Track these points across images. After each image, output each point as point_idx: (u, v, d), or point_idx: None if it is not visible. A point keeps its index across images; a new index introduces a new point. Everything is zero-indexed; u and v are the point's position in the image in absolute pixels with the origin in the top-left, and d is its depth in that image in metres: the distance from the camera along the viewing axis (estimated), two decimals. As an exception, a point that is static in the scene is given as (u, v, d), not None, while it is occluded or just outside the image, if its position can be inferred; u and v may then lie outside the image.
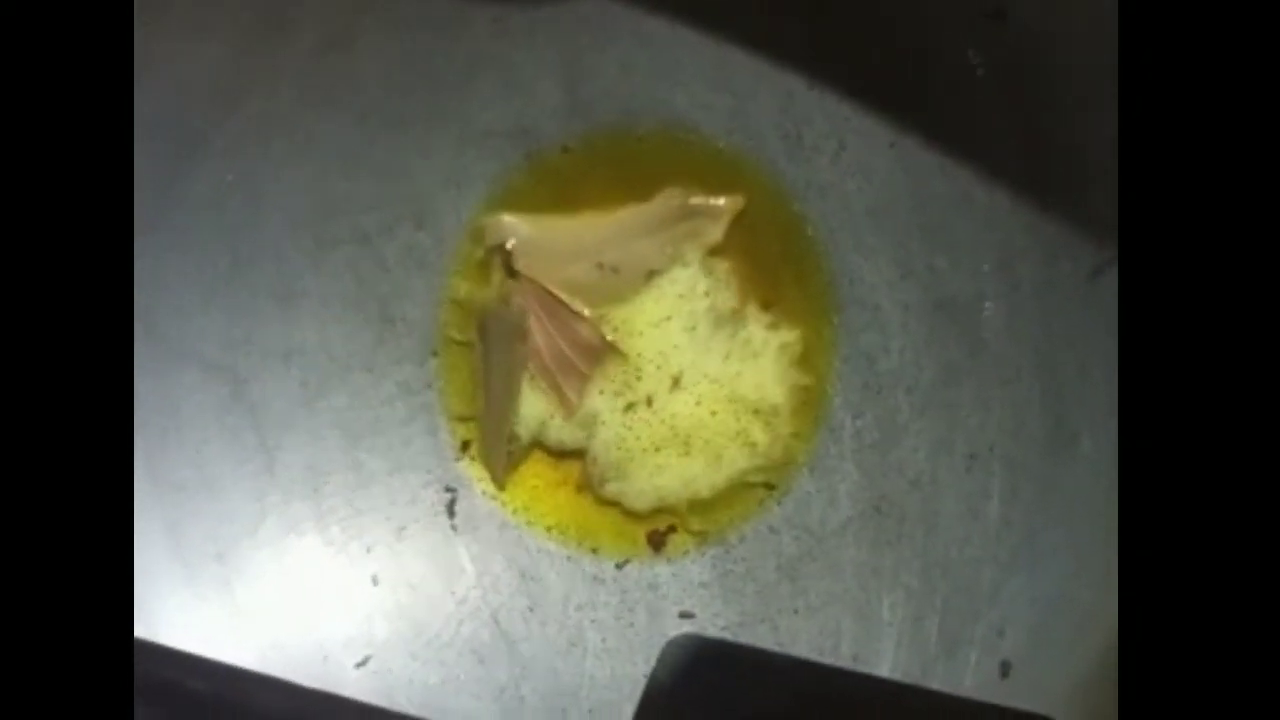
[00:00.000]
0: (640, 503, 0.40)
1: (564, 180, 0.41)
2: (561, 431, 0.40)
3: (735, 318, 0.40)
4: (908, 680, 0.36)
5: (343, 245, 0.41)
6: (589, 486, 0.41)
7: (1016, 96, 0.37)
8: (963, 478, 0.38)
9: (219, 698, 0.31)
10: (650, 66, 0.41)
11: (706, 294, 0.40)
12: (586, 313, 0.40)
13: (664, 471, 0.40)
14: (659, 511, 0.40)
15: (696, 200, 0.40)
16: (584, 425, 0.40)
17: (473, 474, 0.41)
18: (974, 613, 0.37)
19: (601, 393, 0.40)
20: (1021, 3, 0.35)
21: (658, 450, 0.40)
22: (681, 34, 0.40)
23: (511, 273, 0.40)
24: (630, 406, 0.40)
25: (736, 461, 0.40)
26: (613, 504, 0.40)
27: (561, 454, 0.41)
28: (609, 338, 0.40)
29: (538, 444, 0.41)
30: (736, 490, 0.40)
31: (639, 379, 0.40)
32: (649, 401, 0.40)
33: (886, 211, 0.40)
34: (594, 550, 0.41)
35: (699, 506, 0.40)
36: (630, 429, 0.40)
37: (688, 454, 0.40)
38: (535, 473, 0.41)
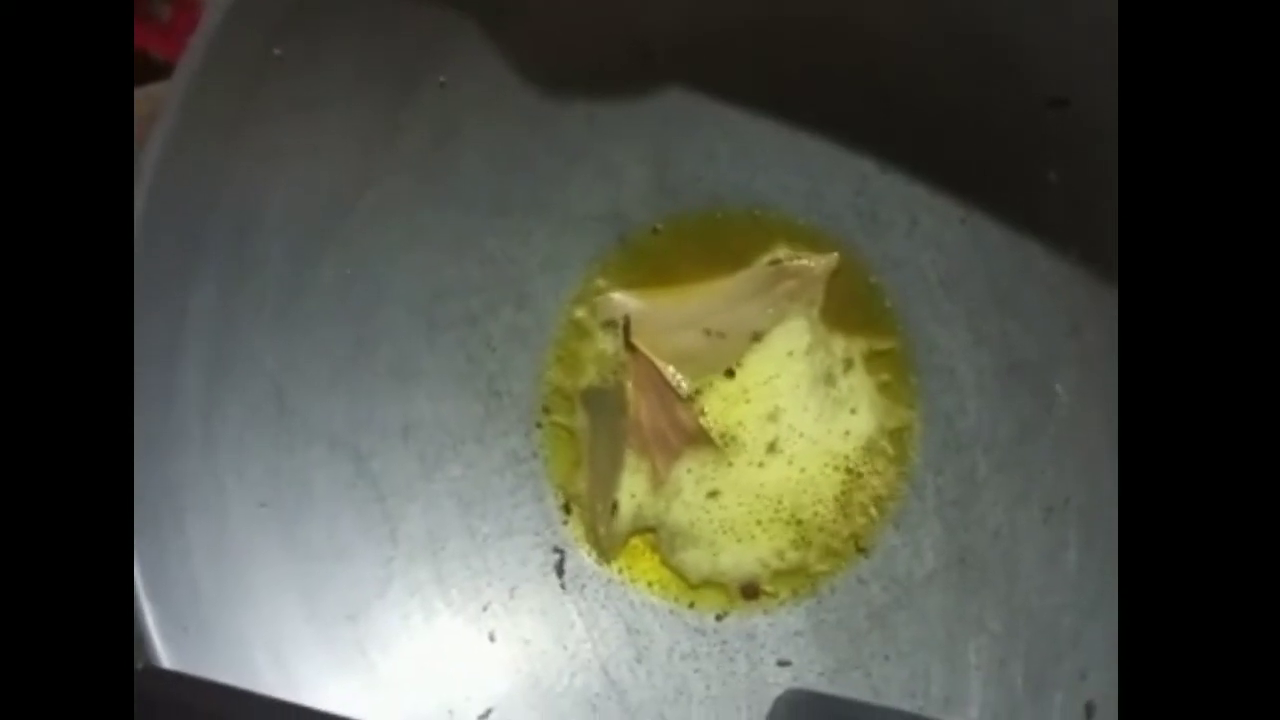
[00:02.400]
0: (695, 576, 0.44)
1: (655, 259, 0.45)
2: (644, 506, 0.43)
3: (830, 377, 0.43)
4: (997, 721, 0.39)
5: (454, 327, 0.44)
6: (659, 551, 0.44)
7: (1078, 175, 0.39)
8: (1040, 529, 0.41)
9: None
10: (732, 153, 0.44)
11: (808, 351, 0.43)
12: (685, 386, 0.43)
13: (724, 554, 0.43)
14: (709, 584, 0.44)
15: (794, 262, 0.44)
16: (665, 499, 0.43)
17: (578, 536, 0.44)
18: (1057, 656, 0.39)
19: (689, 471, 0.43)
20: (1082, 92, 0.38)
21: (725, 534, 0.43)
22: (761, 123, 0.43)
23: (629, 346, 0.43)
24: (713, 494, 0.43)
25: (816, 522, 0.43)
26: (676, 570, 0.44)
27: (645, 527, 0.44)
28: (719, 404, 0.43)
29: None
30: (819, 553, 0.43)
31: (730, 465, 0.43)
32: (735, 487, 0.43)
33: (959, 282, 0.43)
34: (691, 605, 0.44)
35: (784, 573, 0.43)
36: (707, 512, 0.43)
37: (758, 535, 0.43)
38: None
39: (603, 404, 0.44)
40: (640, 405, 0.44)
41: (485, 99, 0.42)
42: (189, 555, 0.39)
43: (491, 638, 0.43)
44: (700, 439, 0.44)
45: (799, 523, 0.43)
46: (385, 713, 0.41)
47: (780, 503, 0.43)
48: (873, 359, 0.44)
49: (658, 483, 0.44)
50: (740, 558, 0.43)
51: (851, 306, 0.44)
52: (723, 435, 0.44)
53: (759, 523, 0.43)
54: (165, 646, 0.36)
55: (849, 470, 0.43)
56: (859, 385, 0.43)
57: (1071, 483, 0.40)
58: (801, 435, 0.43)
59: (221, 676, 0.35)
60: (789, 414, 0.43)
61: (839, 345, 0.44)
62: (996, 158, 0.41)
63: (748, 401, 0.44)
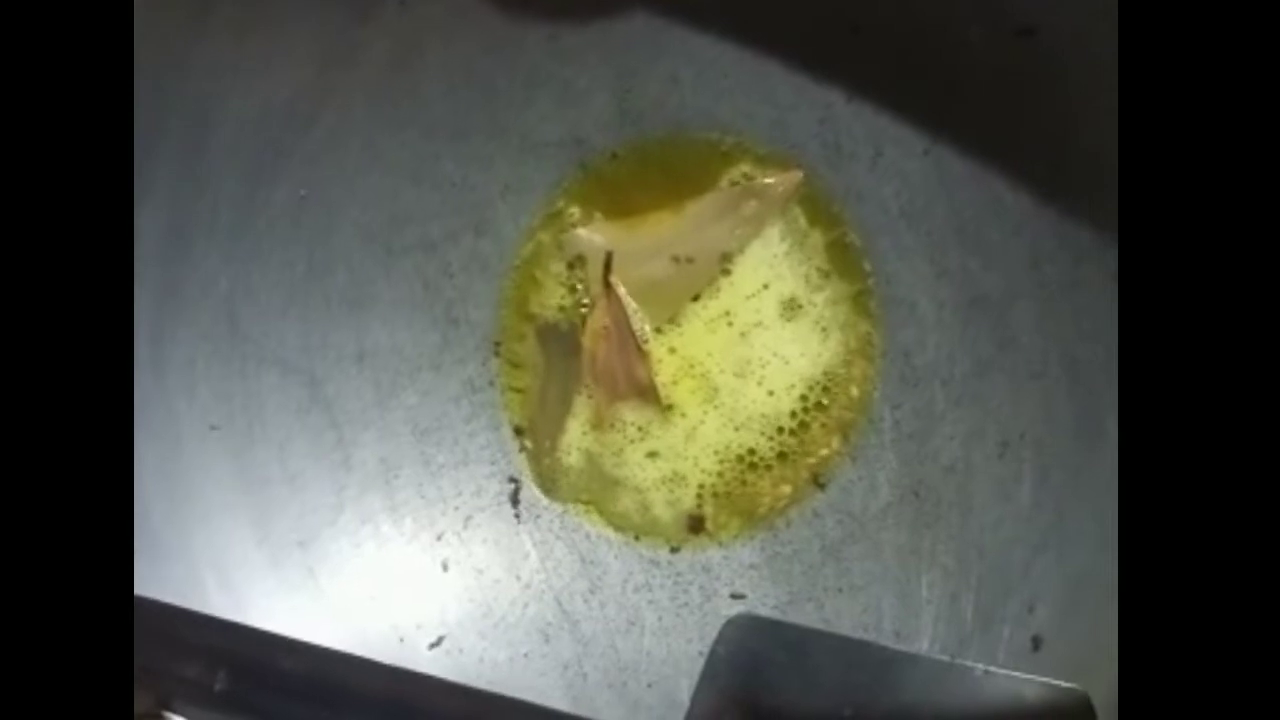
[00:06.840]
0: (626, 525, 0.43)
1: (616, 186, 0.44)
2: (583, 458, 0.43)
3: (808, 283, 0.43)
4: (946, 654, 0.39)
5: (411, 253, 0.43)
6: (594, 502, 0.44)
7: (1044, 108, 0.39)
8: (995, 464, 0.41)
9: (309, 676, 0.33)
10: (696, 80, 0.43)
11: (788, 254, 0.43)
12: (646, 329, 0.43)
13: (656, 507, 0.43)
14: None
15: (757, 181, 0.43)
16: (603, 448, 0.43)
17: (533, 466, 0.44)
18: (1007, 590, 0.39)
19: (635, 426, 0.43)
20: (1049, 22, 0.38)
21: (658, 489, 0.43)
22: (726, 49, 0.43)
23: (607, 283, 0.43)
24: (652, 454, 0.43)
25: (773, 454, 0.43)
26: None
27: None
28: (700, 329, 0.43)
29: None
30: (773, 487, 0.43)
31: (683, 416, 0.43)
32: (676, 446, 0.43)
33: (922, 215, 0.42)
34: (638, 538, 0.43)
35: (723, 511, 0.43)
36: (642, 470, 0.43)
37: (692, 485, 0.43)
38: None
39: (559, 341, 0.44)
40: (599, 342, 0.43)
41: (445, 19, 0.42)
42: (139, 476, 0.39)
43: (445, 567, 0.43)
44: (649, 395, 0.43)
45: (750, 464, 0.43)
46: (336, 638, 0.41)
47: (728, 449, 0.43)
48: (836, 285, 0.43)
49: (598, 424, 0.43)
50: (676, 510, 0.43)
51: (815, 238, 0.43)
52: (690, 368, 0.43)
53: (702, 470, 0.43)
54: (113, 567, 0.36)
55: (816, 401, 0.43)
56: (830, 299, 0.43)
57: (1026, 418, 0.40)
58: (775, 354, 0.43)
59: (170, 598, 0.35)
60: (767, 330, 0.43)
61: (811, 249, 0.43)
62: (962, 88, 0.40)
63: (730, 324, 0.43)
